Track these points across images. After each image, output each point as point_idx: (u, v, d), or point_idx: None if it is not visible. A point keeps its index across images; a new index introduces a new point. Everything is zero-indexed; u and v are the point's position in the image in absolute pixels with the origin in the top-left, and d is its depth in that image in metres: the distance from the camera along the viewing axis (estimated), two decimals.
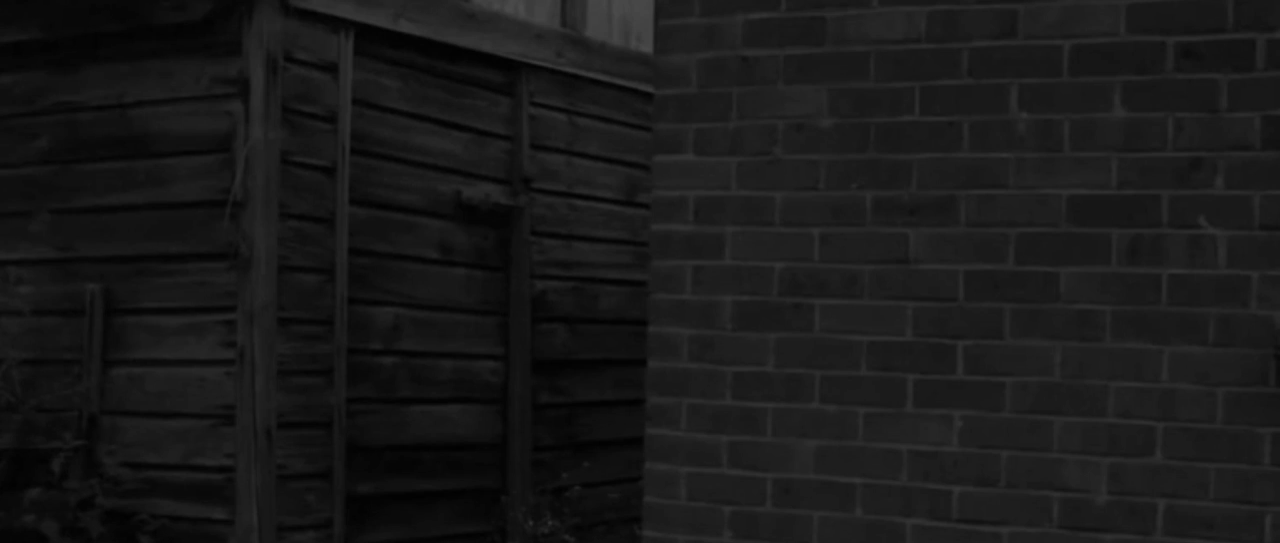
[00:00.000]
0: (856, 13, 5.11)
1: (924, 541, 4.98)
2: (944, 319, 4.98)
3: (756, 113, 5.24)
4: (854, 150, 5.11)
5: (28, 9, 7.43)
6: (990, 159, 4.95)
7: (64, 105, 7.40)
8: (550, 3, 8.47)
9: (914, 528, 4.99)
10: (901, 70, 5.06)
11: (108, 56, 7.30)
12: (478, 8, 7.94)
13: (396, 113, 7.58)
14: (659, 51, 5.41)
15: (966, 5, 4.99)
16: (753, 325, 5.22)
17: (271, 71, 6.90)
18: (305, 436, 7.09)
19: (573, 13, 8.57)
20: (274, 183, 6.91)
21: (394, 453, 7.54)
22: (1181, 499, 4.71)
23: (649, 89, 5.94)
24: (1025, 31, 4.92)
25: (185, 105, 7.08)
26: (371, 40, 7.41)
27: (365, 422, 7.38)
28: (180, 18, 7.06)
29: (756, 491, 5.19)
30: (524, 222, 8.19)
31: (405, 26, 7.53)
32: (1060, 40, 4.88)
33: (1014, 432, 4.89)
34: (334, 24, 7.22)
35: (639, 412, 5.57)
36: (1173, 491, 4.72)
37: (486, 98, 8.07)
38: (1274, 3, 4.67)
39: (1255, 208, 4.67)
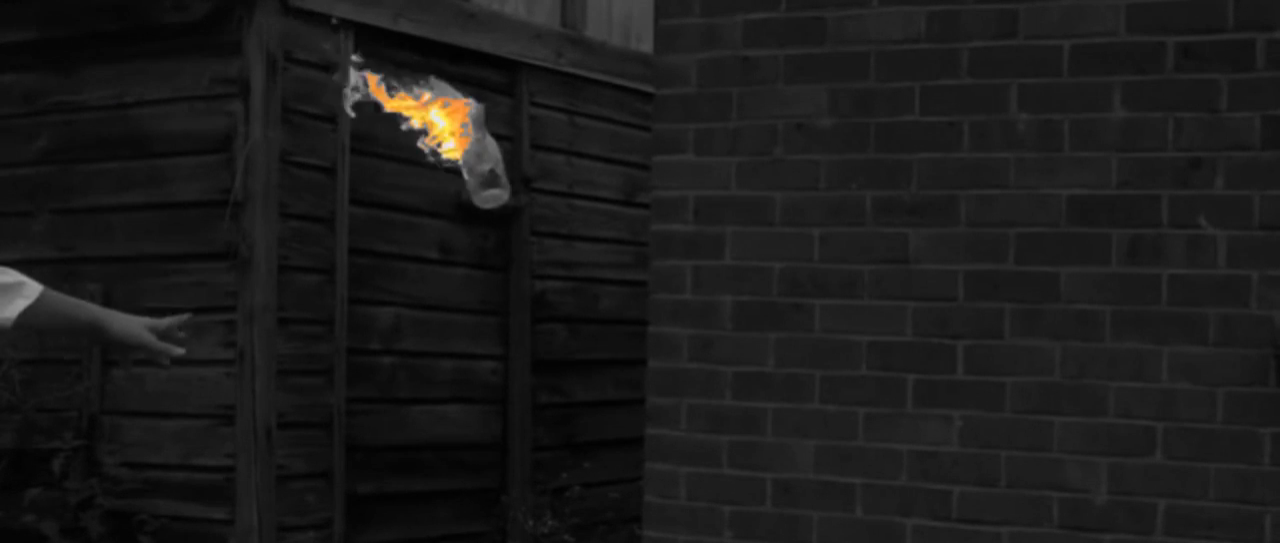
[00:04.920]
0: (856, 13, 5.11)
1: (924, 541, 4.97)
2: (944, 319, 4.98)
3: (756, 113, 5.24)
4: (854, 150, 5.11)
5: (27, 9, 7.42)
6: (990, 159, 4.95)
7: (64, 105, 7.38)
8: (550, 3, 8.46)
9: (914, 528, 4.98)
10: (901, 70, 5.05)
11: (108, 56, 7.29)
12: (478, 8, 7.94)
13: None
14: (659, 51, 5.40)
15: (966, 5, 4.98)
16: (752, 325, 5.21)
17: (271, 71, 6.90)
18: (305, 436, 7.08)
19: (573, 13, 8.57)
20: (274, 183, 6.91)
21: (394, 453, 7.54)
22: (1181, 499, 4.71)
23: (649, 89, 5.93)
24: (1025, 31, 4.92)
25: (185, 105, 7.07)
26: (371, 40, 7.40)
27: (365, 422, 7.37)
28: (180, 18, 7.05)
29: (756, 491, 5.19)
30: (524, 222, 8.18)
31: (405, 26, 7.52)
32: (1060, 40, 4.88)
33: (1014, 432, 4.89)
34: (334, 24, 7.21)
35: (639, 412, 5.56)
36: (1173, 491, 4.72)
37: (486, 98, 8.06)
38: (1274, 3, 4.67)
39: (1255, 208, 4.67)
